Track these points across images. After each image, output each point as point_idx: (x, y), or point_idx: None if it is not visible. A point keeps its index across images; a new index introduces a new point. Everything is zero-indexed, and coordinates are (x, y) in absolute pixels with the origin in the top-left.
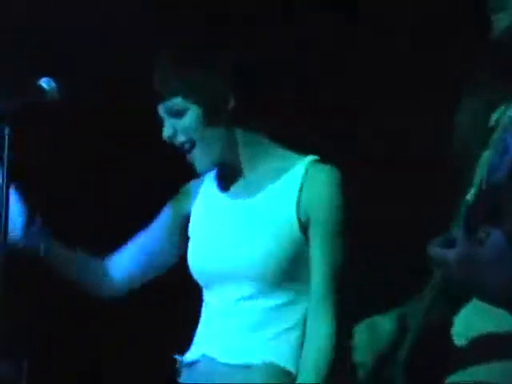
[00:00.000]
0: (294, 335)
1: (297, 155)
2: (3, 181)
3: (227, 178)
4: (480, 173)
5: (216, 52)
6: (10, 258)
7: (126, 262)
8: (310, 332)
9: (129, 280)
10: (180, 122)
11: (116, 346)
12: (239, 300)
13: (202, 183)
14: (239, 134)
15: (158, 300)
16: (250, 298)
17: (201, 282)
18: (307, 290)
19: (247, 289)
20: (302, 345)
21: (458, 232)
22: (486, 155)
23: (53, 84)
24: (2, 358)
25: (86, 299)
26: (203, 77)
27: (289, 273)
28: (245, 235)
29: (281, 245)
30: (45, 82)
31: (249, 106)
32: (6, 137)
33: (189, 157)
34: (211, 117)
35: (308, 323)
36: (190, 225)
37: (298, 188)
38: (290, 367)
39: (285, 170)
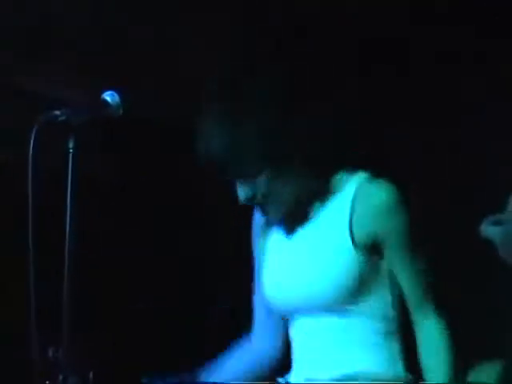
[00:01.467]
0: (383, 341)
1: (348, 173)
2: (70, 196)
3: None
4: None
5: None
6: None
7: (265, 327)
8: (424, 337)
9: (277, 339)
10: (253, 184)
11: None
12: (320, 324)
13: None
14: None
15: None
16: (330, 321)
17: (280, 314)
18: (381, 299)
19: (324, 315)
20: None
21: (506, 213)
22: None
23: (117, 98)
24: (69, 373)
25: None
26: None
27: (358, 292)
28: (307, 267)
29: (341, 272)
30: (109, 96)
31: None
32: (71, 150)
33: (262, 209)
34: (280, 172)
35: (419, 332)
36: (263, 257)
37: (348, 211)
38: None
39: (335, 192)
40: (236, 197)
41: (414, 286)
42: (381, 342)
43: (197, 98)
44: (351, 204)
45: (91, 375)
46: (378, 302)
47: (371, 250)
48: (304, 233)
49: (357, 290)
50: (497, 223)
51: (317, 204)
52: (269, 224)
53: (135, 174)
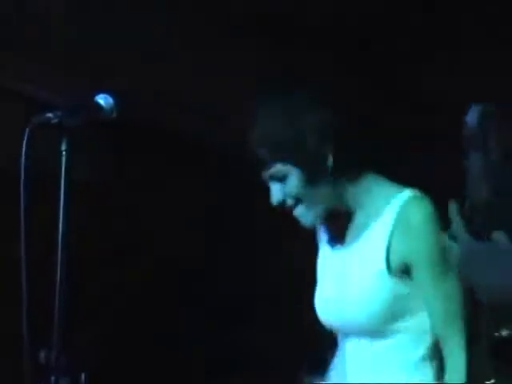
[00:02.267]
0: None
1: (397, 189)
2: (63, 198)
3: (337, 224)
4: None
5: (304, 112)
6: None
7: None
8: (449, 366)
9: None
10: (285, 185)
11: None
12: (360, 345)
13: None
14: (344, 182)
15: None
16: (367, 343)
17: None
18: (419, 323)
19: (363, 337)
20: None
21: (459, 227)
22: None
23: (110, 101)
24: (61, 374)
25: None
26: (295, 139)
27: (393, 316)
28: (342, 289)
29: (373, 298)
30: (102, 99)
31: (349, 156)
32: (64, 152)
33: (295, 213)
34: (313, 176)
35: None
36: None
37: (389, 231)
38: None
39: (381, 211)
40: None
41: (437, 313)
42: (416, 366)
43: (189, 101)
44: (392, 225)
45: (83, 377)
46: (416, 325)
47: (405, 272)
48: (345, 249)
49: (391, 315)
50: (451, 238)
51: (358, 216)
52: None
53: (129, 175)
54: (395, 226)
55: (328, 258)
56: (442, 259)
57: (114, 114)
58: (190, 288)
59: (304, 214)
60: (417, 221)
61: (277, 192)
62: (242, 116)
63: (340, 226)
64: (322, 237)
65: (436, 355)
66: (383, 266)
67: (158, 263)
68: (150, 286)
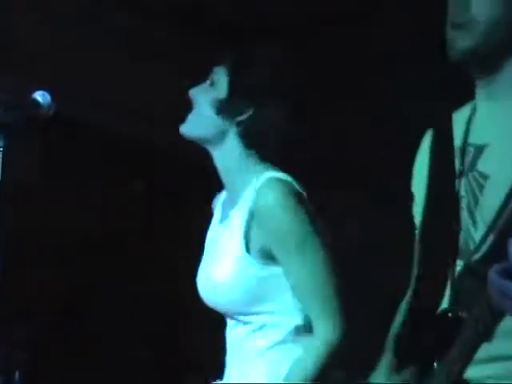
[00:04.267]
0: (273, 356)
1: (261, 170)
2: None
3: (223, 203)
4: None
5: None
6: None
7: None
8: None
9: None
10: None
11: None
12: (230, 330)
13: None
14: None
15: None
16: (233, 324)
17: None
18: (285, 308)
19: (234, 320)
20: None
21: None
22: None
23: (48, 98)
24: None
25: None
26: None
27: (256, 297)
28: (213, 267)
29: (237, 280)
30: (40, 96)
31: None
32: (1, 149)
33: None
34: (224, 106)
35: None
36: None
37: (246, 215)
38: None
39: (242, 193)
40: None
41: (302, 294)
42: (273, 350)
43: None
44: (249, 207)
45: (17, 375)
46: (280, 309)
47: (266, 256)
48: (218, 226)
49: (252, 298)
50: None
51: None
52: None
53: (65, 175)
54: (251, 212)
55: (209, 234)
56: (301, 239)
57: (52, 112)
58: (126, 287)
59: (193, 124)
60: (269, 204)
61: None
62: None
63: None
64: (216, 212)
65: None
66: (242, 251)
67: (95, 262)
68: (87, 285)
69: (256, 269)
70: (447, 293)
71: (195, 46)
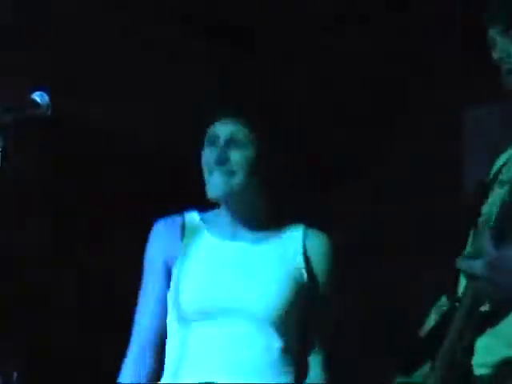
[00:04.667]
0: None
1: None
2: None
3: (225, 220)
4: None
5: None
6: None
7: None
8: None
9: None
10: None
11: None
12: (240, 334)
13: (179, 223)
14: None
15: None
16: (250, 335)
17: (200, 315)
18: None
19: (248, 326)
20: None
21: (483, 242)
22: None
23: (46, 98)
24: None
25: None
26: None
27: (288, 318)
28: (252, 277)
29: (285, 290)
30: (38, 96)
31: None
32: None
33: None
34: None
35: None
36: (183, 264)
37: (301, 241)
38: None
39: (283, 229)
40: None
41: (318, 328)
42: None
43: (124, 98)
44: (302, 240)
45: (15, 376)
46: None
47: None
48: (255, 246)
49: (288, 314)
50: (473, 257)
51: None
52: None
53: (64, 174)
54: (306, 242)
55: (214, 246)
56: (333, 284)
57: (50, 112)
58: (113, 294)
59: (229, 179)
60: (326, 246)
61: (223, 154)
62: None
63: (227, 219)
64: (200, 227)
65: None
66: (300, 267)
67: (90, 266)
68: (82, 288)
69: (302, 287)
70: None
71: (200, 48)
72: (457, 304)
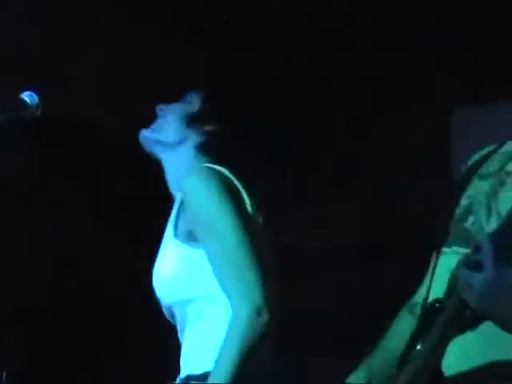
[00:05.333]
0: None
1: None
2: None
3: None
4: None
5: None
6: None
7: None
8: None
9: None
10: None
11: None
12: (177, 317)
13: None
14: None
15: None
16: (178, 314)
17: None
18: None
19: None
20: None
21: (486, 256)
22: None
23: (35, 98)
24: None
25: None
26: None
27: (190, 282)
28: (157, 262)
29: (167, 267)
30: (27, 96)
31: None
32: None
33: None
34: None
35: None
36: None
37: (178, 204)
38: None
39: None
40: None
41: (217, 275)
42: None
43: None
44: (180, 200)
45: (4, 375)
46: (218, 295)
47: (193, 239)
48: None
49: (186, 283)
50: (476, 267)
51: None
52: None
53: (52, 174)
54: (181, 199)
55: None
56: (215, 217)
57: (39, 112)
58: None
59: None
60: (188, 187)
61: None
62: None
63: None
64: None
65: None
66: (171, 237)
67: (88, 263)
68: (77, 287)
69: (186, 251)
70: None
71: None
72: (436, 305)
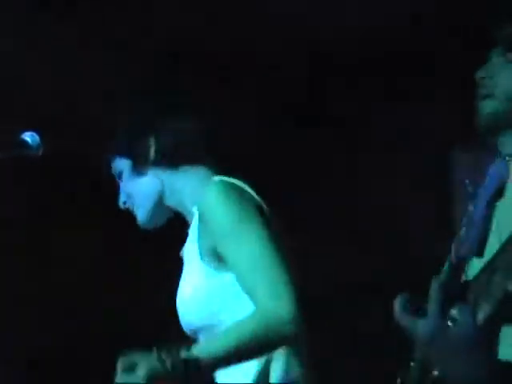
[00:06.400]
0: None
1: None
2: None
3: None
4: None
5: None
6: None
7: None
8: None
9: None
10: (122, 183)
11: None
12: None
13: None
14: (180, 174)
15: None
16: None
17: None
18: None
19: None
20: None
21: (430, 304)
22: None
23: (36, 138)
24: None
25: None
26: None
27: (217, 309)
28: (180, 288)
29: (194, 293)
30: (28, 136)
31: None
32: None
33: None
34: (138, 166)
35: None
36: None
37: (197, 224)
38: None
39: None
40: None
41: (244, 286)
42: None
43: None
44: (198, 218)
45: None
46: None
47: (216, 257)
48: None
49: (214, 308)
50: (420, 314)
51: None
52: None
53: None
54: (199, 218)
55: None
56: (235, 227)
57: (40, 152)
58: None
59: (137, 212)
60: (207, 202)
61: (121, 193)
62: None
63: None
64: None
65: None
66: (198, 259)
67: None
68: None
69: (211, 275)
70: None
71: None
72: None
